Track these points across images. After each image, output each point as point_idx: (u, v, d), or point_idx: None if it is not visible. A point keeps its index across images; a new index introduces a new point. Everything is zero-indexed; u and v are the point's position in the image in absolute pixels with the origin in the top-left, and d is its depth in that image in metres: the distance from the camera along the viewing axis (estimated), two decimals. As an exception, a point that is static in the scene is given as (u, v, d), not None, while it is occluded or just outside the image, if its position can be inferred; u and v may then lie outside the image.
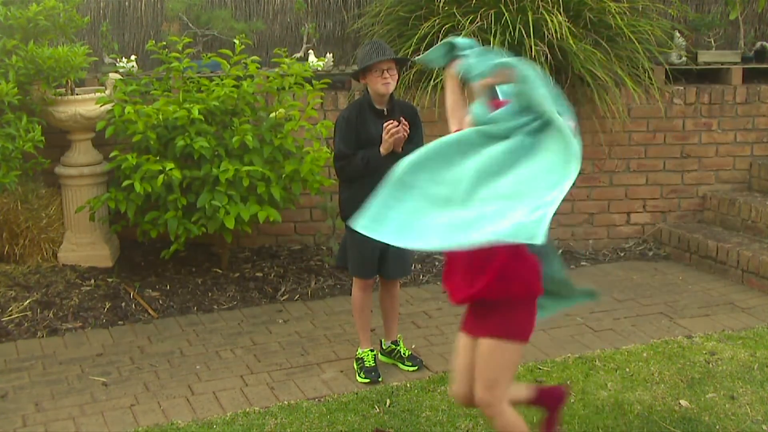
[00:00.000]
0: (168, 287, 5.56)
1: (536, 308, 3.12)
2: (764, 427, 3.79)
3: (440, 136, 6.63)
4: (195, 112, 5.12)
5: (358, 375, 4.31)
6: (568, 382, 4.20)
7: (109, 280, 5.62)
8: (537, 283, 3.09)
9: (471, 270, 3.06)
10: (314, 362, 4.53)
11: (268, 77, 5.56)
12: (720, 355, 4.51)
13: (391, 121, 4.07)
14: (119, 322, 5.11)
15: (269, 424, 3.84)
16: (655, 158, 6.46)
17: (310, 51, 6.62)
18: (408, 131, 4.10)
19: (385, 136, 4.06)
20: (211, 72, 6.15)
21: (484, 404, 3.11)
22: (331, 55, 6.60)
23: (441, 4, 6.09)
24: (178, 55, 5.52)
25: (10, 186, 5.21)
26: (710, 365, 4.40)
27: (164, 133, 5.29)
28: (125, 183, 5.16)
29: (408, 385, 4.22)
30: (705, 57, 6.68)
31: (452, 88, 3.39)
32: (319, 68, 6.27)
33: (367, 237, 4.24)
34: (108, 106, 5.46)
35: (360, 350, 4.38)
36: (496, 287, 3.01)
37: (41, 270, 5.66)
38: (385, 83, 4.10)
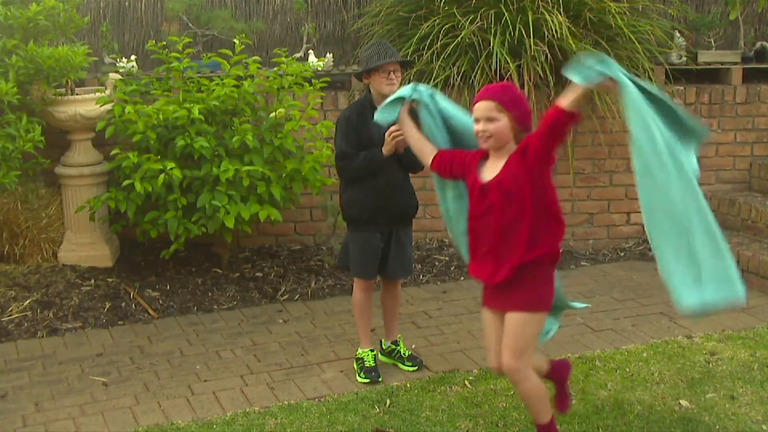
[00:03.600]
0: (168, 287, 5.57)
1: (554, 274, 3.40)
2: (764, 427, 3.79)
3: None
4: (195, 112, 5.12)
5: (358, 375, 4.31)
6: (568, 383, 4.20)
7: (109, 280, 5.62)
8: (557, 248, 3.38)
9: (499, 251, 3.35)
10: (314, 362, 4.54)
11: (268, 77, 5.56)
12: (720, 355, 4.51)
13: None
14: (119, 322, 5.11)
15: (269, 424, 3.84)
16: (655, 158, 6.45)
17: (310, 51, 6.63)
18: None
19: (387, 138, 4.06)
20: (211, 72, 6.16)
21: (512, 371, 3.33)
22: (331, 55, 6.61)
23: (441, 4, 6.09)
24: (178, 55, 5.52)
25: (10, 186, 5.21)
26: (710, 365, 4.40)
27: (164, 133, 5.30)
28: (125, 182, 5.16)
29: (408, 385, 4.22)
30: (705, 57, 6.69)
31: (411, 131, 3.69)
32: (319, 68, 6.28)
33: (369, 237, 4.28)
34: (108, 106, 5.46)
35: (360, 350, 4.38)
36: (526, 260, 3.28)
37: (41, 270, 5.66)
38: (390, 84, 4.10)
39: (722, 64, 6.65)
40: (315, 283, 5.68)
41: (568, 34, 5.83)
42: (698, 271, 3.04)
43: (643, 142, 3.05)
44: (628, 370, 4.36)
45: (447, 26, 6.04)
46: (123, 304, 5.31)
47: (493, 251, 3.36)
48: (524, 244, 3.27)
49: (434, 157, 3.57)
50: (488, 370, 4.37)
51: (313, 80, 5.61)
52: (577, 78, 3.12)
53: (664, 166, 3.05)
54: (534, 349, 3.39)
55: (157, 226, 5.31)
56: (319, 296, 5.52)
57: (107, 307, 5.25)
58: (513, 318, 3.33)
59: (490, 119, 3.32)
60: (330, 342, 4.81)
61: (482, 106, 3.35)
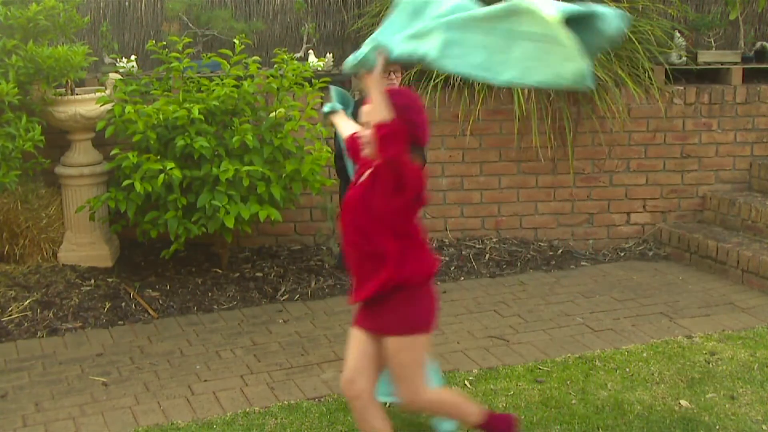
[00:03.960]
0: (168, 287, 5.56)
1: (434, 291, 3.10)
2: (764, 427, 3.79)
3: (440, 136, 6.62)
4: (195, 112, 5.12)
5: (358, 375, 4.30)
6: (568, 382, 4.20)
7: (109, 280, 5.61)
8: (428, 270, 3.07)
9: (362, 267, 3.06)
10: (314, 362, 4.53)
11: (268, 77, 5.56)
12: (720, 355, 4.51)
13: None
14: (119, 322, 5.11)
15: (269, 424, 3.84)
16: (655, 158, 6.46)
17: (310, 51, 6.63)
18: None
19: None
20: (211, 72, 6.16)
21: (411, 406, 3.17)
22: (331, 55, 6.60)
23: (441, 4, 6.08)
24: (178, 55, 5.52)
25: (10, 186, 5.21)
26: (710, 365, 4.40)
27: (164, 133, 5.29)
28: (125, 182, 5.16)
29: (408, 385, 4.21)
30: (705, 57, 6.68)
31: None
32: (319, 68, 6.28)
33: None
34: (108, 106, 5.46)
35: (360, 350, 4.38)
36: (393, 277, 2.99)
37: (41, 270, 5.66)
38: (390, 84, 4.11)
39: (722, 64, 6.65)
40: (315, 283, 5.67)
41: (568, 34, 5.82)
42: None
43: (414, 48, 2.93)
44: (628, 370, 4.36)
45: (447, 26, 6.03)
46: (123, 304, 5.31)
47: (357, 266, 3.08)
48: (385, 264, 2.98)
49: (351, 135, 3.38)
50: (488, 370, 4.37)
51: (313, 80, 5.61)
52: (365, 67, 2.98)
53: (449, 43, 2.86)
54: (423, 371, 3.12)
55: (157, 226, 5.31)
56: (319, 296, 5.52)
57: (107, 307, 5.25)
58: (389, 344, 3.06)
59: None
60: (330, 342, 4.80)
61: (364, 110, 3.04)
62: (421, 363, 3.10)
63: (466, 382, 4.22)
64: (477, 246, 6.26)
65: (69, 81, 5.66)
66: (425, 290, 3.08)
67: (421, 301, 3.07)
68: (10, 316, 5.08)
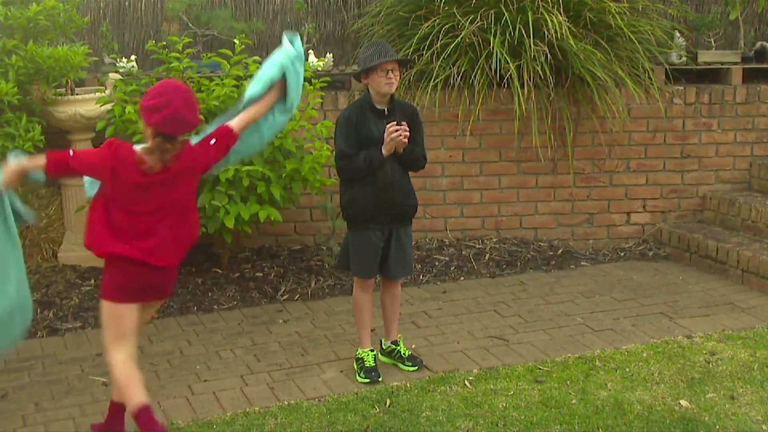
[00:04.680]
0: (168, 287, 5.56)
1: (119, 267, 3.41)
2: (764, 427, 3.79)
3: (440, 136, 6.62)
4: (195, 112, 5.11)
5: (358, 375, 4.31)
6: (568, 382, 4.20)
7: (109, 280, 5.61)
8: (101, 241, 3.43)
9: None
10: (314, 362, 4.53)
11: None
12: (720, 355, 4.51)
13: (393, 122, 4.07)
14: (119, 322, 5.10)
15: (269, 424, 3.84)
16: (655, 158, 6.47)
17: (310, 51, 6.62)
18: (409, 134, 4.10)
19: (386, 137, 4.07)
20: (211, 72, 6.16)
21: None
22: (331, 55, 6.60)
23: (441, 4, 6.09)
24: (178, 55, 5.52)
25: (10, 186, 5.20)
26: (710, 365, 4.40)
27: (164, 133, 5.29)
28: (125, 183, 5.15)
29: (408, 385, 4.22)
30: (705, 57, 6.69)
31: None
32: (319, 68, 6.28)
33: (369, 236, 4.28)
34: (108, 106, 5.46)
35: (360, 350, 4.38)
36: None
37: (41, 270, 5.66)
38: (389, 83, 4.11)
39: (722, 64, 6.65)
40: (315, 283, 5.68)
41: (568, 34, 5.83)
42: None
43: None
44: (628, 370, 4.36)
45: (447, 26, 6.04)
46: (123, 304, 5.30)
47: None
48: None
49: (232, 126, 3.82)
50: (488, 370, 4.37)
51: (313, 80, 5.61)
52: None
53: None
54: (111, 333, 3.41)
55: (157, 226, 5.30)
56: (319, 296, 5.52)
57: (107, 307, 5.25)
58: None
59: None
60: (330, 342, 4.80)
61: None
62: (108, 326, 3.43)
63: (466, 382, 4.22)
64: (477, 246, 6.26)
65: (69, 81, 5.66)
66: (114, 265, 3.43)
67: (107, 271, 3.46)
68: (10, 316, 5.08)
